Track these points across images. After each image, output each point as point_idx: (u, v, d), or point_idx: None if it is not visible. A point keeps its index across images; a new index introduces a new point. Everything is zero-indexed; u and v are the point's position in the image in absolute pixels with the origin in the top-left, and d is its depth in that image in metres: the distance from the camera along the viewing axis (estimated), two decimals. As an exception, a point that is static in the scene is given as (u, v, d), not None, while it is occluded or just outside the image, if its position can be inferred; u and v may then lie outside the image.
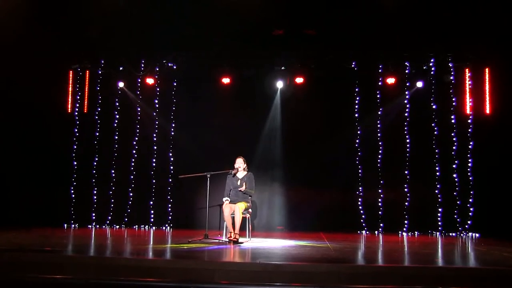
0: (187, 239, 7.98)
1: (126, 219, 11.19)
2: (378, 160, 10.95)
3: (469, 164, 10.57)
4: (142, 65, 11.37)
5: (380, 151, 10.96)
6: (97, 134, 11.45)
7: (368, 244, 8.52)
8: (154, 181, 11.26)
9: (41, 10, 9.91)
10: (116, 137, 11.43)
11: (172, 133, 11.38)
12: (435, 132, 10.75)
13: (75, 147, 11.45)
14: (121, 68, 11.37)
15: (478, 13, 9.47)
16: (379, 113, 11.04)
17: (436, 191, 10.65)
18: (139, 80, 11.41)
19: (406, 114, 10.93)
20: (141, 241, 8.32)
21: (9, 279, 5.37)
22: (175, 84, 11.44)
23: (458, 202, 10.52)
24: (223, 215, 8.20)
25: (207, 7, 9.59)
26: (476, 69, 10.68)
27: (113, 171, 11.35)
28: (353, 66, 10.92)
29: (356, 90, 11.13)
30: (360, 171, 11.01)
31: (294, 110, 11.20)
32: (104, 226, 11.16)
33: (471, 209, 10.45)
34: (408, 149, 10.83)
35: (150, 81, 11.24)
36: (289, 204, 11.06)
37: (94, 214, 11.28)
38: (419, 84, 10.83)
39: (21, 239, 7.74)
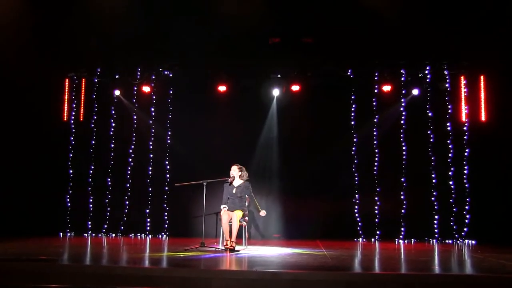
0: (183, 247, 7.97)
1: (122, 228, 11.15)
2: (375, 168, 10.96)
3: (465, 171, 10.60)
4: (138, 73, 11.37)
5: (376, 159, 10.97)
6: (93, 142, 11.41)
7: (365, 252, 8.52)
8: (150, 189, 11.22)
9: (38, 18, 9.92)
10: (112, 145, 11.40)
11: (169, 141, 11.37)
12: (431, 140, 10.78)
13: (71, 155, 11.41)
14: (117, 76, 11.36)
15: (473, 21, 9.54)
16: (375, 120, 11.06)
17: (432, 198, 10.65)
18: (135, 88, 11.40)
19: (402, 122, 10.96)
20: (137, 250, 8.30)
21: (5, 288, 5.35)
22: (171, 92, 11.43)
23: (454, 209, 10.53)
24: (221, 222, 8.17)
25: (203, 15, 9.62)
26: (471, 77, 10.73)
27: (109, 179, 11.32)
28: (349, 74, 10.96)
29: (352, 97, 11.14)
30: (356, 178, 11.01)
31: (290, 118, 11.20)
32: (100, 235, 11.11)
33: (467, 216, 10.47)
34: (404, 157, 10.85)
35: (146, 89, 11.23)
36: (285, 212, 11.03)
37: (90, 223, 11.23)
38: (415, 91, 10.87)
39: (17, 248, 7.70)
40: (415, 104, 10.96)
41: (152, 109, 11.42)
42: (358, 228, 10.88)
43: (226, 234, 8.04)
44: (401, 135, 10.91)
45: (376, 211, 10.85)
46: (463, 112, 10.73)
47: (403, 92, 11.00)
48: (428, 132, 10.79)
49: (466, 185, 10.56)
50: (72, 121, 11.48)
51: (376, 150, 11.00)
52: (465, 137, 10.66)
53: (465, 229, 10.46)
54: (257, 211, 8.50)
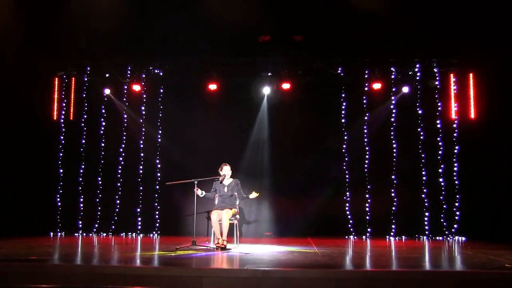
0: (174, 246, 7.95)
1: (113, 227, 11.10)
2: (365, 165, 11.00)
3: (455, 168, 10.65)
4: (129, 72, 11.31)
5: (367, 156, 11.01)
6: (83, 141, 11.35)
7: (356, 249, 8.55)
8: (141, 188, 11.19)
9: (27, 17, 9.85)
10: (103, 144, 11.35)
11: (159, 140, 11.34)
12: (421, 137, 10.82)
13: (61, 154, 11.34)
14: (107, 75, 11.29)
15: (462, 19, 9.58)
16: (366, 118, 11.09)
17: (423, 196, 10.71)
18: (126, 87, 11.35)
19: (392, 119, 10.99)
20: (128, 249, 8.27)
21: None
22: (161, 90, 11.40)
23: (444, 206, 10.59)
24: (211, 221, 8.18)
25: (193, 13, 9.60)
26: (460, 74, 10.79)
27: (99, 178, 11.27)
28: (339, 71, 10.96)
29: (343, 95, 11.18)
30: (347, 176, 11.04)
31: (281, 116, 11.20)
32: (91, 234, 11.06)
33: (457, 213, 10.53)
34: (394, 154, 10.89)
35: (136, 88, 11.18)
36: (277, 210, 11.04)
37: (80, 222, 11.17)
38: (405, 89, 10.91)
39: (6, 249, 7.64)
40: (405, 101, 11.00)
41: (143, 108, 11.38)
42: (349, 225, 10.91)
43: (217, 233, 8.04)
44: (392, 133, 10.96)
45: (367, 209, 10.88)
46: (452, 110, 10.78)
47: (393, 89, 11.02)
48: (418, 129, 10.84)
49: (456, 182, 10.62)
50: (62, 120, 11.42)
51: (366, 148, 11.04)
52: (454, 134, 10.72)
53: (455, 225, 10.52)
54: (247, 197, 8.44)
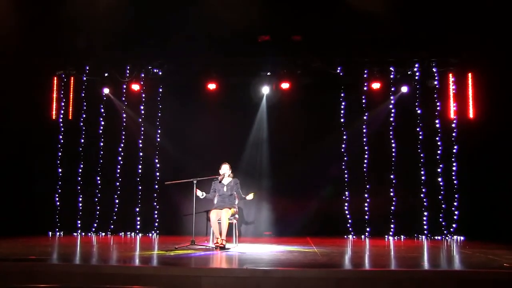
0: (173, 246, 7.95)
1: (112, 226, 11.10)
2: (364, 165, 11.00)
3: (454, 168, 10.68)
4: (128, 71, 11.31)
5: (366, 156, 11.01)
6: (82, 140, 11.36)
7: (355, 249, 8.55)
8: (140, 187, 11.19)
9: (25, 16, 9.83)
10: (102, 144, 11.36)
11: (158, 140, 11.34)
12: (420, 137, 10.84)
13: (60, 154, 11.34)
14: (106, 74, 11.28)
15: (461, 19, 9.58)
16: (365, 118, 11.10)
17: (422, 195, 10.72)
18: (125, 86, 11.35)
19: (391, 119, 11.00)
20: (127, 248, 8.27)
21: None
22: (160, 90, 11.40)
23: (443, 205, 10.61)
24: (210, 221, 8.18)
25: (193, 13, 9.58)
26: (459, 74, 10.79)
27: (98, 178, 11.27)
28: (338, 71, 10.96)
29: (342, 95, 11.18)
30: (346, 176, 11.05)
31: (280, 115, 11.21)
32: (89, 234, 11.06)
33: (456, 212, 10.55)
34: (393, 154, 10.90)
35: (135, 87, 11.17)
36: (276, 210, 11.04)
37: (79, 222, 11.17)
38: (404, 89, 10.92)
39: (5, 248, 7.64)
40: (404, 101, 11.01)
41: (142, 107, 11.37)
42: (348, 225, 10.92)
43: (216, 232, 8.03)
44: (391, 132, 10.97)
45: (366, 208, 10.89)
46: (451, 109, 10.80)
47: (392, 89, 11.04)
48: (417, 129, 10.85)
49: (455, 182, 10.64)
50: (61, 120, 11.42)
51: (365, 148, 11.05)
52: (453, 134, 10.74)
53: (454, 225, 10.54)
54: (244, 198, 8.49)
